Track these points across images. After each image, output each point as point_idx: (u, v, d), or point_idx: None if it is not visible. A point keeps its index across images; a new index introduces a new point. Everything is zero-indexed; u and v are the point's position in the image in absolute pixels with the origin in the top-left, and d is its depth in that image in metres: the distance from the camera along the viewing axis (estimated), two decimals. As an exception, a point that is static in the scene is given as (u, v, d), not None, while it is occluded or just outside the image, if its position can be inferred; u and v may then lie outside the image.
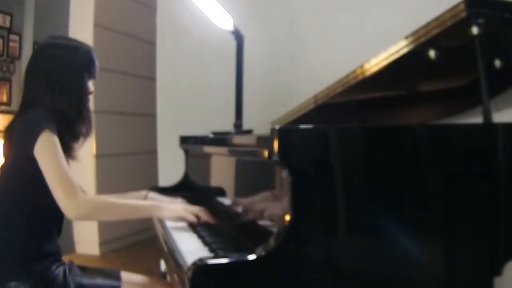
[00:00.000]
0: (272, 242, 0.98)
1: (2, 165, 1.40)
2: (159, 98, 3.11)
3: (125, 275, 1.52)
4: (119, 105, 4.15)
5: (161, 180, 3.03)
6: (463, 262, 1.11)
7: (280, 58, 2.70)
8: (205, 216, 1.44)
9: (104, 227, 3.85)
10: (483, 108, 1.19)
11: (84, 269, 1.47)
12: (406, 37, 1.31)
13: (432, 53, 1.32)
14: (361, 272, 1.05)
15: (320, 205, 1.03)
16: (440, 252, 1.09)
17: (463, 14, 1.17)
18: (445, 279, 1.10)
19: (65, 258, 1.45)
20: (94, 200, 1.39)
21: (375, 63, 1.43)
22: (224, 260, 0.95)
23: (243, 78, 2.07)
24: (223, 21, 2.01)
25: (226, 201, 1.53)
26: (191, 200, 1.69)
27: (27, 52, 3.66)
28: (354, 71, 1.52)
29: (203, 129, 2.02)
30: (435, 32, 1.24)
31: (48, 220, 1.38)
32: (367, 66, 1.46)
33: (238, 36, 2.03)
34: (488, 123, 1.18)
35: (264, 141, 1.09)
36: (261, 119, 2.30)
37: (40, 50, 1.49)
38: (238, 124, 2.08)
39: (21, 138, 1.34)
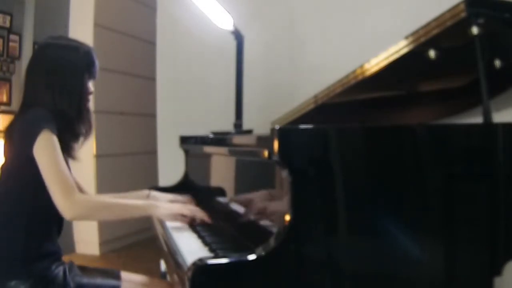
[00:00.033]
0: (272, 242, 0.98)
1: (2, 165, 1.40)
2: (159, 98, 3.11)
3: (125, 275, 1.52)
4: (119, 105, 4.15)
5: (161, 180, 3.03)
6: (463, 262, 1.11)
7: (280, 58, 2.70)
8: (200, 214, 1.44)
9: (104, 227, 3.85)
10: (483, 108, 1.19)
11: (84, 269, 1.47)
12: (406, 37, 1.31)
13: (432, 53, 1.32)
14: (361, 272, 1.05)
15: (320, 205, 1.03)
16: (440, 252, 1.09)
17: (463, 14, 1.17)
18: (445, 279, 1.10)
19: (65, 258, 1.45)
20: (90, 200, 1.39)
21: (375, 63, 1.43)
22: (224, 260, 0.95)
23: (243, 78, 2.06)
24: (223, 21, 2.01)
25: (226, 201, 1.53)
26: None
27: (27, 52, 3.66)
28: (354, 71, 1.52)
29: (203, 129, 2.02)
30: (435, 32, 1.24)
31: (48, 220, 1.38)
32: (367, 66, 1.46)
33: (238, 36, 2.03)
34: (488, 123, 1.18)
35: (264, 141, 1.09)
36: (261, 119, 2.30)
37: (40, 50, 1.49)
38: (238, 124, 2.08)
39: (21, 138, 1.35)
